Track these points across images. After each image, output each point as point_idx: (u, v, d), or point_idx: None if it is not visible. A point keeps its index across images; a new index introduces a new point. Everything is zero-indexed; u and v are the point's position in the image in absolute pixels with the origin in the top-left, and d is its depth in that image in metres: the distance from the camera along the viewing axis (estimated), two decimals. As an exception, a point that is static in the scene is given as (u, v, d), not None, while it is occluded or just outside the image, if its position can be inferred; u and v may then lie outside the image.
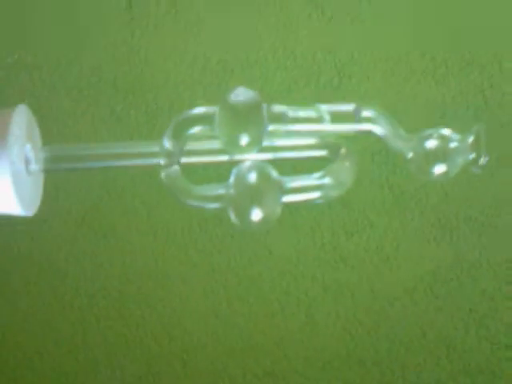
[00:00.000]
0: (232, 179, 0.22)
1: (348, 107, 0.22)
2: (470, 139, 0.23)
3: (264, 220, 0.22)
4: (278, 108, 0.23)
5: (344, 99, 0.68)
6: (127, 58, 0.71)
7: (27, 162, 0.23)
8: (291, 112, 0.23)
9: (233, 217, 0.22)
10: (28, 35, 0.72)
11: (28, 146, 0.23)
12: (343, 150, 0.22)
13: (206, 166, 0.23)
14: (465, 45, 0.76)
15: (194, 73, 0.73)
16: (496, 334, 0.76)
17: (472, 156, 0.23)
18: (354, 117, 0.22)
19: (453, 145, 0.22)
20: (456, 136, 0.23)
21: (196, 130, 0.22)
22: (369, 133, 0.22)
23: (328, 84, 0.74)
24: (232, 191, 0.22)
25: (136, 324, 0.74)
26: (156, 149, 0.22)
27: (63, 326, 0.74)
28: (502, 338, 0.76)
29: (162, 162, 0.22)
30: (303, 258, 0.75)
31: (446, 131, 0.23)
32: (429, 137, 0.22)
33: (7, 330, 0.74)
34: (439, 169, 0.22)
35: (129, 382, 0.74)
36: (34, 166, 0.23)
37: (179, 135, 0.22)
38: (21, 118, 0.23)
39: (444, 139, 0.22)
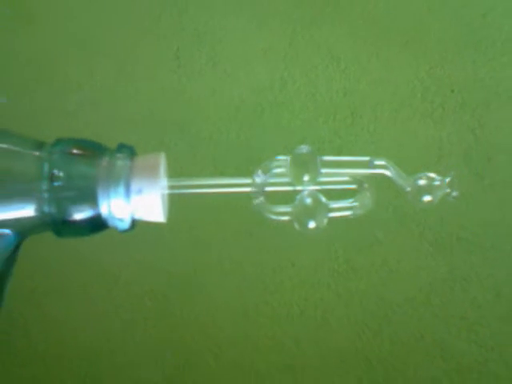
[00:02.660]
0: (296, 201, 0.35)
1: (366, 158, 0.35)
2: (447, 180, 0.35)
3: (316, 228, 0.35)
4: (327, 158, 0.35)
5: (356, 135, 0.80)
6: (175, 98, 0.82)
7: (165, 188, 0.35)
8: (334, 160, 0.35)
9: (296, 226, 0.35)
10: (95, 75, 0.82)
11: (164, 178, 0.36)
12: (366, 185, 0.35)
13: (281, 192, 0.36)
14: (458, 91, 0.86)
15: (230, 111, 0.83)
16: (484, 338, 0.85)
17: (448, 190, 0.35)
18: (369, 164, 0.34)
19: (436, 183, 0.35)
20: (438, 177, 0.35)
21: (276, 170, 0.34)
22: (381, 175, 0.34)
23: (343, 122, 0.85)
24: (296, 209, 0.34)
25: (177, 323, 0.82)
26: (248, 181, 0.35)
27: (115, 323, 0.82)
28: (488, 341, 0.85)
29: (252, 190, 0.34)
30: (320, 269, 0.85)
31: (432, 174, 0.35)
32: (420, 177, 0.35)
33: (66, 327, 0.82)
34: (426, 198, 0.35)
35: (169, 373, 0.82)
36: (167, 191, 0.36)
37: (266, 173, 0.34)
38: (162, 160, 0.35)
39: (430, 179, 0.35)
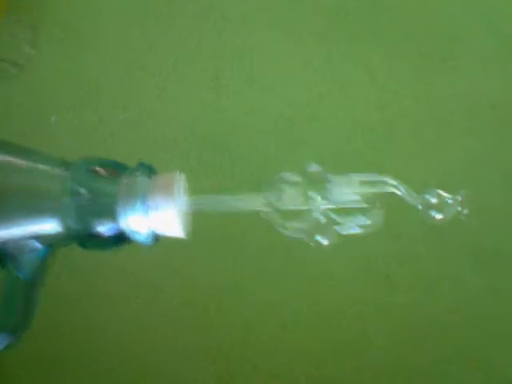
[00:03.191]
0: (308, 218, 0.36)
1: (378, 177, 0.36)
2: (459, 198, 0.36)
3: (328, 243, 0.36)
4: (337, 176, 0.36)
5: (393, 150, 0.80)
6: (214, 116, 0.85)
7: (184, 205, 0.37)
8: (344, 178, 0.36)
9: (307, 241, 0.36)
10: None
11: (182, 195, 0.37)
12: (377, 204, 0.36)
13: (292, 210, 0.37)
14: (500, 106, 0.85)
15: (267, 127, 0.85)
16: None
17: (459, 209, 0.36)
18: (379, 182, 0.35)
19: (447, 201, 0.36)
20: (448, 195, 0.36)
21: (286, 188, 0.36)
22: (392, 193, 0.35)
23: (380, 136, 0.85)
24: (308, 225, 0.36)
25: (217, 333, 0.84)
26: (262, 200, 0.36)
27: (158, 333, 0.85)
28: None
29: (266, 208, 0.36)
30: (358, 282, 0.86)
31: (442, 192, 0.36)
32: (430, 195, 0.36)
33: (112, 336, 0.85)
34: (438, 217, 0.35)
35: (209, 381, 0.84)
36: (186, 207, 0.38)
37: (276, 190, 0.36)
38: (179, 178, 0.37)
39: (440, 197, 0.35)
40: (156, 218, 0.36)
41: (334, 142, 0.85)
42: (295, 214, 0.36)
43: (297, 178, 0.36)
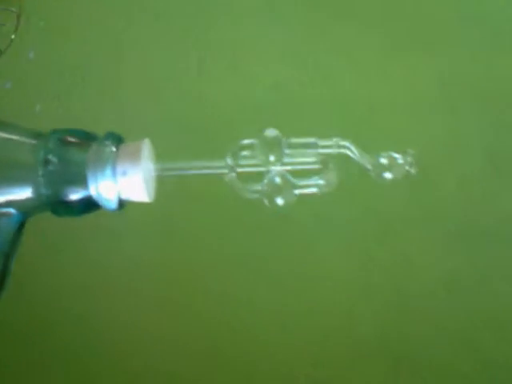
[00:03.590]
0: (265, 180, 0.38)
1: (331, 140, 0.38)
2: (409, 158, 0.38)
3: (285, 204, 0.38)
4: (294, 140, 0.38)
5: (373, 131, 0.82)
6: (197, 102, 0.87)
7: (150, 171, 0.39)
8: (300, 142, 0.38)
9: (266, 203, 0.38)
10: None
11: (149, 162, 0.40)
12: (330, 164, 0.38)
13: (250, 173, 0.39)
14: (478, 86, 0.87)
15: (249, 112, 0.87)
16: (508, 330, 0.86)
17: (407, 168, 0.38)
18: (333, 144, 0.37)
19: (397, 162, 0.38)
20: (399, 156, 0.38)
21: (245, 152, 0.38)
22: (344, 154, 0.37)
23: (360, 118, 0.87)
24: (266, 188, 0.38)
25: (215, 331, 0.86)
26: (222, 163, 0.39)
27: (156, 329, 0.86)
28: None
29: (227, 171, 0.38)
30: (342, 265, 0.87)
31: (394, 153, 0.38)
32: (382, 157, 0.38)
33: (107, 330, 0.87)
34: (388, 176, 0.37)
35: (208, 380, 0.86)
36: (153, 173, 0.40)
37: (236, 155, 0.38)
38: (146, 145, 0.39)
39: (392, 158, 0.38)
40: (123, 183, 0.38)
41: (315, 128, 0.86)
42: (254, 177, 0.38)
43: (255, 143, 0.38)
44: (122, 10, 0.89)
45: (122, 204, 0.39)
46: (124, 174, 0.38)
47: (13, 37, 0.77)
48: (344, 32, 0.89)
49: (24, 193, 0.38)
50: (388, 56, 0.88)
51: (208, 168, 0.39)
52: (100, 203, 0.39)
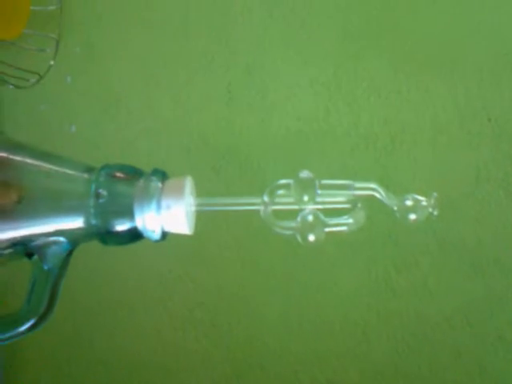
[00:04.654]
0: (299, 218, 0.41)
1: (361, 183, 0.41)
2: (432, 201, 0.40)
3: (316, 241, 0.41)
4: (325, 181, 0.41)
5: (396, 162, 0.85)
6: (226, 128, 0.90)
7: (191, 206, 0.42)
8: (331, 183, 0.41)
9: (298, 238, 0.41)
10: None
11: (191, 197, 0.43)
12: (359, 205, 0.41)
13: (285, 210, 0.42)
14: (495, 119, 0.89)
15: (277, 140, 0.90)
16: None
17: (430, 210, 0.40)
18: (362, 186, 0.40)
19: (421, 204, 0.40)
20: (423, 199, 0.41)
21: (281, 191, 0.41)
22: (372, 196, 0.40)
23: (383, 149, 0.90)
24: (298, 225, 0.41)
25: (225, 334, 0.89)
26: (259, 200, 0.42)
27: (169, 333, 0.90)
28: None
29: (262, 208, 0.41)
30: (360, 288, 0.90)
31: (418, 196, 0.41)
32: (407, 199, 0.40)
33: (127, 335, 0.90)
34: (412, 217, 0.40)
35: (218, 381, 0.89)
36: (193, 208, 0.43)
37: (272, 193, 0.41)
38: (189, 182, 0.42)
39: (416, 200, 0.40)
40: (167, 216, 0.41)
41: (340, 155, 0.89)
42: (287, 215, 0.41)
43: (290, 183, 0.41)
44: (154, 38, 0.92)
45: (164, 235, 0.42)
46: (168, 207, 0.41)
47: (52, 62, 0.81)
48: (368, 63, 0.91)
49: (75, 223, 0.42)
50: (411, 86, 0.91)
51: (245, 204, 0.42)
52: (144, 234, 0.42)
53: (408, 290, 0.90)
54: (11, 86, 0.79)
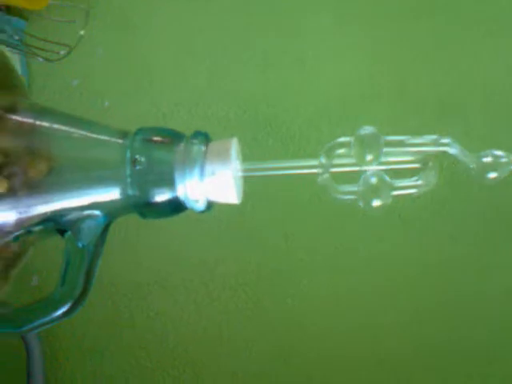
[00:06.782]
0: (361, 181, 0.36)
1: (431, 137, 0.35)
2: (512, 157, 0.35)
3: (381, 206, 0.36)
4: (390, 137, 0.36)
5: (445, 127, 0.80)
6: (265, 97, 0.85)
7: (239, 171, 0.38)
8: (398, 139, 0.36)
9: (361, 204, 0.36)
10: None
11: (238, 161, 0.38)
12: (430, 163, 0.36)
13: (345, 173, 0.37)
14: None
15: (318, 108, 0.85)
16: None
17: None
18: (435, 142, 0.35)
19: (502, 160, 0.35)
20: (504, 154, 0.35)
21: (340, 151, 0.36)
22: (445, 153, 0.35)
23: (431, 114, 0.85)
24: (361, 188, 0.36)
25: (268, 315, 0.85)
26: (315, 163, 0.37)
27: (211, 314, 0.86)
28: None
29: (319, 170, 0.36)
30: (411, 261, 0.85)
31: (498, 151, 0.35)
32: (485, 155, 0.35)
33: (169, 318, 0.87)
34: (492, 175, 0.35)
35: (263, 364, 0.85)
36: (241, 173, 0.38)
37: (330, 154, 0.36)
38: (235, 144, 0.38)
39: (495, 157, 0.35)
40: (212, 183, 0.37)
41: (387, 120, 0.85)
42: (349, 177, 0.36)
43: (351, 141, 0.36)
44: (186, 5, 0.88)
45: (209, 205, 0.38)
46: (213, 173, 0.36)
47: (82, 32, 0.77)
48: (412, 25, 0.86)
49: (110, 194, 0.37)
50: (458, 47, 0.85)
51: (299, 168, 0.37)
52: (187, 204, 0.38)
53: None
54: (41, 60, 0.76)
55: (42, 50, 0.76)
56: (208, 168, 0.36)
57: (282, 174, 0.37)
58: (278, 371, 0.85)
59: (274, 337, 0.86)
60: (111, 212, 0.38)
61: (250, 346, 0.86)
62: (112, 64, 0.86)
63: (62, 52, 0.76)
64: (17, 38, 0.76)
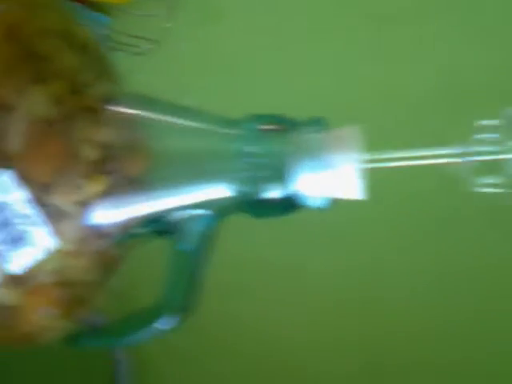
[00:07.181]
0: (508, 171, 0.31)
1: None
2: None
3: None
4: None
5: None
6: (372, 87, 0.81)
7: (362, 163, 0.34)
8: None
9: (505, 201, 0.31)
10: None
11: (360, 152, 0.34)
12: None
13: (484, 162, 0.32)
14: None
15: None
16: None
17: None
18: None
19: None
20: None
21: (481, 135, 0.31)
22: None
23: None
24: (507, 180, 0.31)
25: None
26: (449, 151, 0.32)
27: (302, 316, 0.82)
28: None
29: (459, 160, 0.31)
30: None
31: None
32: None
33: (249, 325, 0.84)
34: None
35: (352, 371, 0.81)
36: (364, 165, 0.34)
37: (470, 140, 0.31)
38: (356, 132, 0.33)
39: None
40: (332, 178, 0.32)
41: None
42: (490, 167, 0.32)
43: (498, 124, 0.31)
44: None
45: (328, 202, 0.34)
46: (333, 166, 0.32)
47: (168, 25, 0.75)
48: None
49: (219, 190, 0.34)
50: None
51: (433, 157, 0.32)
52: (303, 201, 0.34)
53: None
54: (130, 54, 0.74)
55: (128, 45, 0.74)
56: (329, 160, 0.32)
57: (414, 165, 0.33)
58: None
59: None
60: (219, 211, 0.35)
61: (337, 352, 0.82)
62: (196, 59, 0.84)
63: (148, 47, 0.74)
64: (103, 33, 0.74)
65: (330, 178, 0.32)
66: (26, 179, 0.31)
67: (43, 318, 0.34)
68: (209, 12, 0.84)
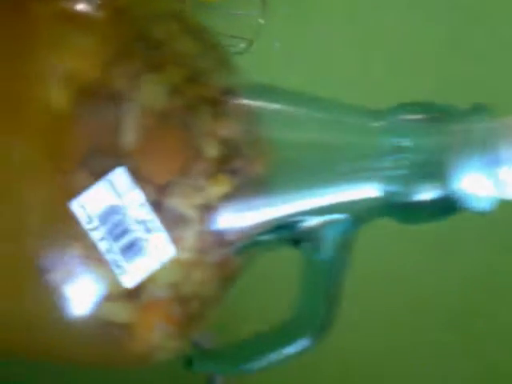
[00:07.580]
0: None
1: None
2: None
3: None
4: None
5: None
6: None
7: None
8: None
9: None
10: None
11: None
12: None
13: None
14: None
15: None
16: None
17: None
18: None
19: None
20: None
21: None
22: None
23: None
24: None
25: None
26: None
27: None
28: None
29: None
30: None
31: None
32: None
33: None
34: None
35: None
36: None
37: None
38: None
39: None
40: (504, 175, 0.27)
41: None
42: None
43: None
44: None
45: (496, 204, 0.28)
46: (504, 161, 0.27)
47: (262, 22, 0.71)
48: None
49: (362, 191, 0.29)
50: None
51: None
52: (465, 203, 0.28)
53: None
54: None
55: (226, 45, 0.71)
56: (498, 153, 0.27)
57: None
58: None
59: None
60: (360, 215, 0.30)
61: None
62: (289, 59, 0.80)
63: (242, 45, 0.71)
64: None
65: (500, 175, 0.27)
66: (140, 179, 0.27)
67: (157, 337, 0.30)
68: (300, 9, 0.81)
